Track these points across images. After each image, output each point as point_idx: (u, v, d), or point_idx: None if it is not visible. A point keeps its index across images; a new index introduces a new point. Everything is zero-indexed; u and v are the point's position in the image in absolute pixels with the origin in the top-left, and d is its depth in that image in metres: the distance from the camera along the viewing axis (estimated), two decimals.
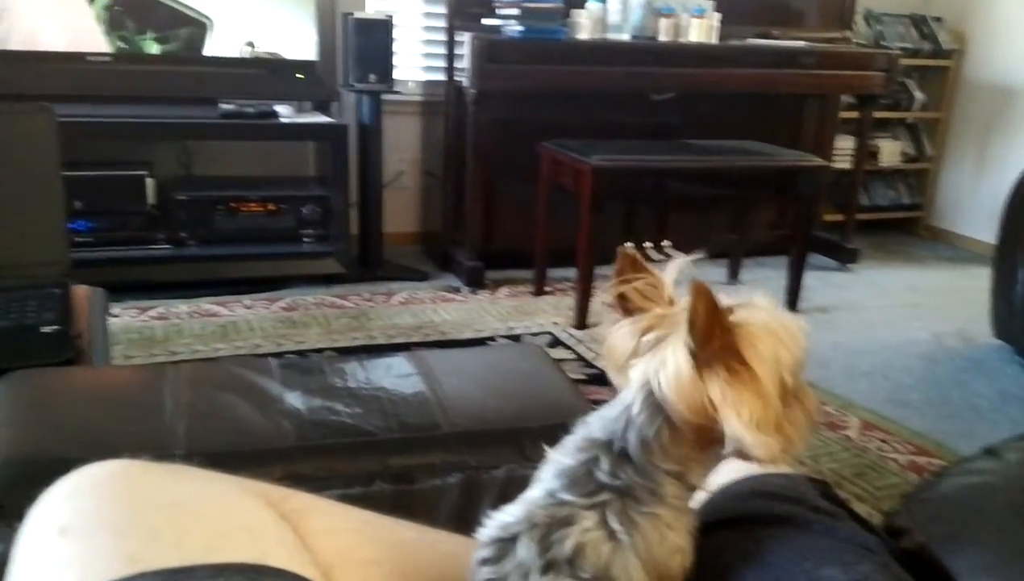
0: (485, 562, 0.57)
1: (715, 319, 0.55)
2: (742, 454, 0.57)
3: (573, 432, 0.61)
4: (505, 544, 0.56)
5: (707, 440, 0.58)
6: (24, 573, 0.54)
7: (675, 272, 0.62)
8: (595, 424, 0.59)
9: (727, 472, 0.75)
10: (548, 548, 0.54)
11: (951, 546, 0.64)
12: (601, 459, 0.57)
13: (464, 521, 0.66)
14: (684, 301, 0.57)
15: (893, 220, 4.56)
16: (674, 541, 0.57)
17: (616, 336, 0.61)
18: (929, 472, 2.07)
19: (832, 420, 2.33)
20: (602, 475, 0.57)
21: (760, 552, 0.62)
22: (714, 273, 3.61)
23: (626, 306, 0.62)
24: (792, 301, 3.17)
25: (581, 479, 0.57)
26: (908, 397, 2.51)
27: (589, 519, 0.55)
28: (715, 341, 0.55)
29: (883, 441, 2.23)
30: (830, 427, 2.29)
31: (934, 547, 0.65)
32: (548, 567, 0.54)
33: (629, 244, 0.66)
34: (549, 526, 0.55)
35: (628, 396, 0.58)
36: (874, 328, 3.09)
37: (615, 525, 0.55)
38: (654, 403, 0.57)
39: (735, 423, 0.55)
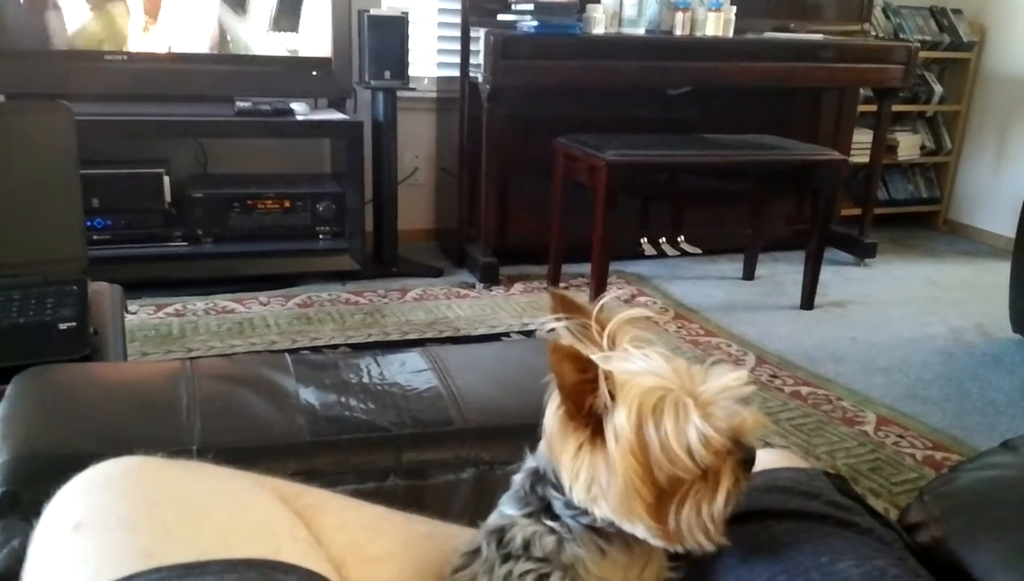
0: (456, 570, 0.62)
1: (582, 381, 0.55)
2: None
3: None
4: (472, 554, 0.62)
5: None
6: (39, 568, 0.54)
7: (608, 309, 0.62)
8: (537, 451, 0.63)
9: None
10: (504, 545, 0.60)
11: (968, 540, 0.64)
12: (528, 480, 0.63)
13: (477, 516, 0.66)
14: (626, 341, 0.60)
15: (911, 214, 4.53)
16: (611, 564, 0.59)
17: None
18: (946, 467, 2.05)
19: (849, 415, 2.31)
20: (530, 492, 0.62)
21: (775, 547, 0.62)
22: (731, 268, 3.60)
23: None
24: (810, 296, 3.15)
25: (519, 497, 0.63)
26: (926, 392, 2.49)
27: (526, 521, 0.61)
28: (582, 402, 0.56)
29: (900, 436, 2.21)
30: (847, 423, 2.27)
31: (951, 541, 0.64)
32: (506, 558, 0.60)
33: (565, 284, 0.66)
34: (502, 528, 0.61)
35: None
36: (892, 323, 3.06)
37: (550, 523, 0.60)
38: None
39: (580, 493, 0.57)
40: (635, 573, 0.60)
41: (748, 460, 0.58)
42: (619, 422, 0.55)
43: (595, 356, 0.58)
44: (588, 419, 0.56)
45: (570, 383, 0.55)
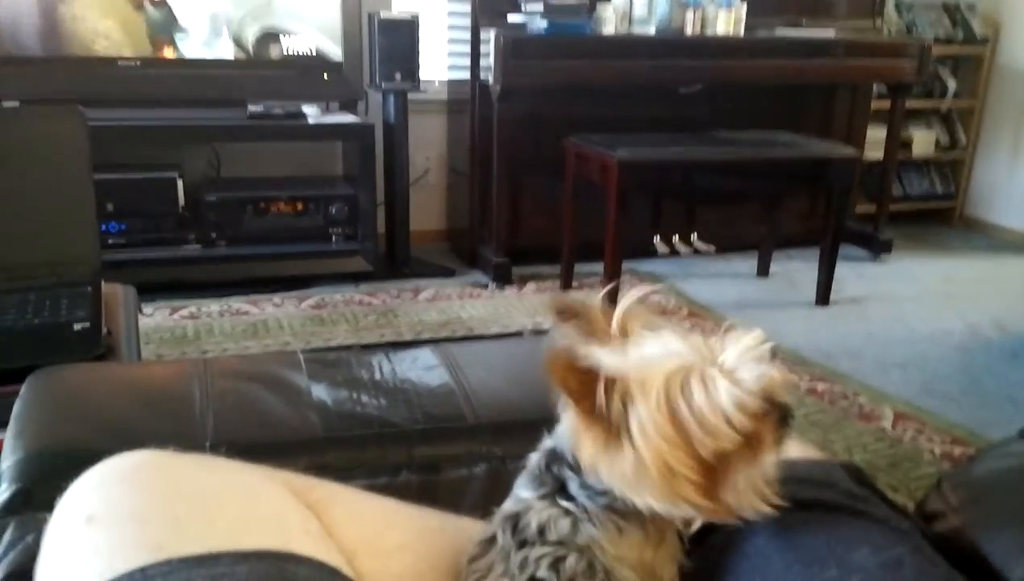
0: (472, 559, 0.62)
1: (589, 386, 0.55)
2: None
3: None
4: (487, 542, 0.62)
5: None
6: (52, 561, 0.54)
7: (608, 302, 0.61)
8: (555, 431, 0.63)
9: None
10: (519, 531, 0.60)
11: (987, 529, 0.63)
12: (545, 459, 0.62)
13: (489, 510, 0.65)
14: (637, 327, 0.59)
15: (927, 210, 4.49)
16: (627, 542, 0.59)
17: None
18: None
19: (866, 411, 2.30)
20: (545, 471, 0.62)
21: (790, 535, 0.61)
22: (745, 266, 3.58)
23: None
24: (825, 293, 3.14)
25: (534, 477, 0.62)
26: (943, 387, 2.47)
27: (541, 504, 0.60)
28: (594, 404, 0.55)
29: (918, 431, 2.19)
30: (864, 418, 2.25)
31: (969, 530, 0.64)
32: (522, 544, 0.59)
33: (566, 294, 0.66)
34: (517, 515, 0.61)
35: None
36: (908, 319, 3.04)
37: (565, 504, 0.60)
38: None
39: (619, 487, 0.57)
40: (650, 551, 0.59)
41: (785, 417, 0.57)
42: (643, 415, 0.54)
43: (608, 351, 0.57)
44: (605, 419, 0.56)
45: (576, 390, 0.55)
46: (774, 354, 0.57)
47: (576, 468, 0.59)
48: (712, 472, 0.55)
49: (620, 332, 0.60)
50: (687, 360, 0.55)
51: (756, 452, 0.56)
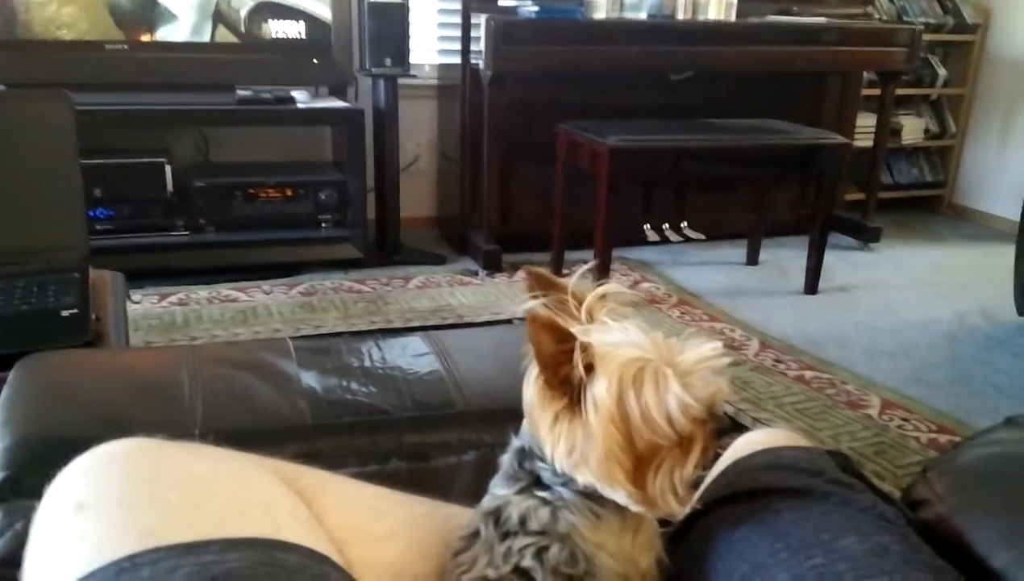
0: (457, 553, 0.63)
1: (560, 352, 0.56)
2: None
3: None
4: (470, 537, 0.63)
5: None
6: (41, 548, 0.54)
7: (585, 284, 0.62)
8: (521, 431, 0.64)
9: (740, 446, 0.75)
10: (501, 524, 0.61)
11: (972, 517, 0.64)
12: (516, 459, 0.63)
13: (479, 498, 0.66)
14: (603, 314, 0.61)
15: (915, 198, 4.51)
16: (605, 529, 0.60)
17: None
18: None
19: (853, 399, 2.31)
20: (519, 468, 0.63)
21: (777, 523, 0.62)
22: (734, 254, 3.59)
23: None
24: (813, 281, 3.15)
25: (508, 476, 0.64)
26: (930, 375, 2.49)
27: (519, 497, 0.61)
28: (560, 372, 0.57)
29: (904, 419, 2.21)
30: (851, 406, 2.27)
31: (954, 518, 0.64)
32: (505, 536, 0.61)
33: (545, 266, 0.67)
34: (497, 508, 0.62)
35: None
36: (896, 307, 3.06)
37: (542, 494, 0.61)
38: None
39: (562, 460, 0.58)
40: (628, 538, 0.61)
41: (721, 429, 0.60)
42: (599, 392, 0.56)
43: (574, 329, 0.58)
44: (566, 388, 0.58)
45: (548, 353, 0.57)
46: (727, 367, 0.59)
47: (545, 459, 0.60)
48: (642, 462, 0.57)
49: (587, 315, 0.61)
50: (645, 353, 0.57)
51: (685, 454, 0.58)
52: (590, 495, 0.59)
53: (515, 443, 0.64)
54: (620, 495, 0.58)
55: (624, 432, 0.56)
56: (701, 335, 0.59)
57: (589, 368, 0.56)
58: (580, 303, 0.62)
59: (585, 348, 0.56)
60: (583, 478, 0.58)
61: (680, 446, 0.58)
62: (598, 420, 0.56)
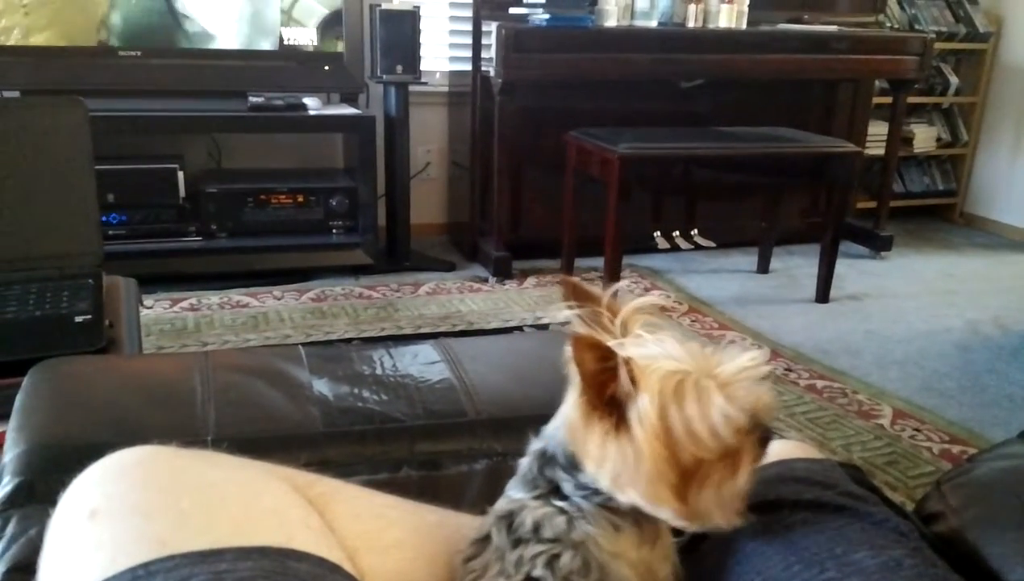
0: (468, 560, 0.62)
1: (604, 370, 0.56)
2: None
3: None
4: (481, 542, 0.62)
5: None
6: (55, 555, 0.55)
7: (620, 296, 0.62)
8: (544, 433, 0.64)
9: None
10: (514, 530, 0.60)
11: (986, 531, 0.63)
12: (535, 463, 0.63)
13: (490, 506, 0.66)
14: (638, 327, 0.60)
15: (927, 206, 4.49)
16: (624, 540, 0.59)
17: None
18: (963, 461, 2.04)
19: (865, 409, 2.30)
20: (538, 475, 0.62)
21: (790, 536, 0.61)
22: (744, 262, 3.58)
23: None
24: (825, 290, 3.14)
25: (527, 480, 0.63)
26: (942, 385, 2.47)
27: (535, 503, 0.61)
28: (604, 391, 0.56)
29: (916, 430, 2.20)
30: (862, 416, 2.26)
31: (969, 532, 0.64)
32: (517, 543, 0.60)
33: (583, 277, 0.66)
34: (511, 513, 0.61)
35: (562, 411, 0.62)
36: (907, 316, 3.04)
37: (559, 503, 0.60)
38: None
39: (605, 482, 0.58)
40: (647, 549, 0.60)
41: (766, 439, 0.59)
42: (643, 408, 0.55)
43: (610, 342, 0.58)
44: (611, 408, 0.57)
45: (591, 372, 0.56)
46: (767, 376, 0.58)
47: (569, 469, 0.60)
48: (688, 476, 0.56)
49: (621, 328, 0.61)
50: (685, 366, 0.56)
51: (733, 466, 0.57)
52: (610, 507, 0.59)
53: (536, 445, 0.63)
54: (665, 512, 0.57)
55: (669, 447, 0.55)
56: (739, 344, 0.59)
57: (633, 383, 0.56)
58: (614, 315, 0.61)
59: (628, 363, 0.56)
60: (626, 498, 0.57)
61: (725, 459, 0.57)
62: (644, 437, 0.55)
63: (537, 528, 0.59)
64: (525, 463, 0.64)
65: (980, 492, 0.68)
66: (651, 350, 0.58)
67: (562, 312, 0.62)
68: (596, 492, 0.59)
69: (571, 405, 0.59)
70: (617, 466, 0.57)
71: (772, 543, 0.62)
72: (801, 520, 0.63)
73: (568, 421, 0.59)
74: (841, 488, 0.67)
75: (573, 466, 0.60)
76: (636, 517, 0.59)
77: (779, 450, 0.75)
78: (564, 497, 0.60)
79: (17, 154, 1.47)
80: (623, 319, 0.61)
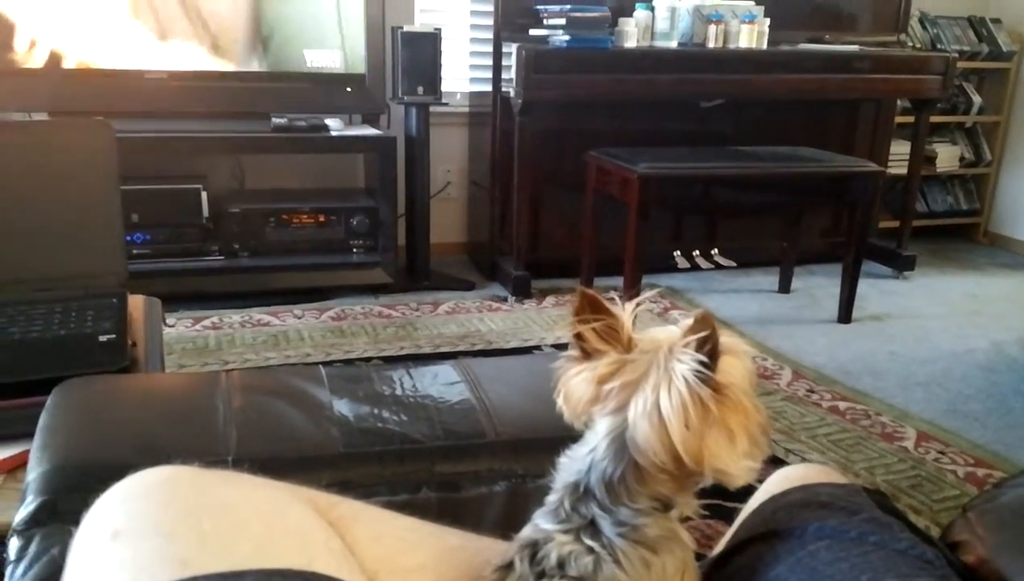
0: None
1: (715, 350, 0.57)
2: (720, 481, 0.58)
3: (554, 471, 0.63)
4: (504, 569, 0.61)
5: (679, 478, 0.59)
6: (78, 575, 0.55)
7: (633, 314, 0.62)
8: (564, 466, 0.62)
9: (775, 481, 0.74)
10: (538, 562, 0.59)
11: (1015, 559, 0.62)
12: (568, 499, 0.60)
13: (510, 529, 0.65)
14: (645, 344, 0.59)
15: (951, 226, 4.45)
16: (654, 577, 0.58)
17: (574, 383, 0.61)
18: (989, 484, 2.01)
19: (888, 431, 2.27)
20: (572, 511, 0.60)
21: (814, 564, 0.61)
22: (765, 281, 3.56)
23: (583, 346, 0.61)
24: (847, 310, 3.11)
25: (558, 513, 0.60)
26: (967, 407, 2.44)
27: (564, 538, 0.59)
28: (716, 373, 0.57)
29: (941, 452, 2.17)
30: (886, 438, 2.23)
31: (996, 560, 0.63)
32: (540, 575, 0.58)
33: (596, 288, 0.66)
34: (535, 543, 0.60)
35: (593, 441, 0.60)
36: (931, 337, 3.01)
37: (589, 542, 0.58)
38: (620, 450, 0.58)
39: (727, 457, 0.56)
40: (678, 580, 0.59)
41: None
42: (737, 375, 0.58)
43: (615, 355, 0.59)
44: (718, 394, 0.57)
45: (713, 351, 0.57)
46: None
47: (607, 505, 0.58)
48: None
49: (628, 344, 0.61)
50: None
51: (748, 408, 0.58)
52: (644, 542, 0.58)
53: (566, 477, 0.61)
54: (751, 468, 0.58)
55: (751, 400, 0.58)
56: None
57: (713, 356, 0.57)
58: (625, 331, 0.61)
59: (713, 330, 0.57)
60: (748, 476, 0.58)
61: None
62: (737, 398, 0.57)
63: (562, 564, 0.58)
64: (553, 499, 0.61)
65: (1008, 519, 0.67)
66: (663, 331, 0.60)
67: (571, 328, 0.61)
68: (635, 528, 0.58)
69: (675, 407, 0.55)
70: (747, 443, 0.57)
71: (795, 570, 0.61)
72: (825, 547, 0.62)
73: (677, 434, 0.55)
74: (866, 514, 0.66)
75: (614, 501, 0.58)
76: (669, 546, 0.58)
77: (803, 474, 0.75)
78: (597, 533, 0.58)
79: (44, 175, 1.49)
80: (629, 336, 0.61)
